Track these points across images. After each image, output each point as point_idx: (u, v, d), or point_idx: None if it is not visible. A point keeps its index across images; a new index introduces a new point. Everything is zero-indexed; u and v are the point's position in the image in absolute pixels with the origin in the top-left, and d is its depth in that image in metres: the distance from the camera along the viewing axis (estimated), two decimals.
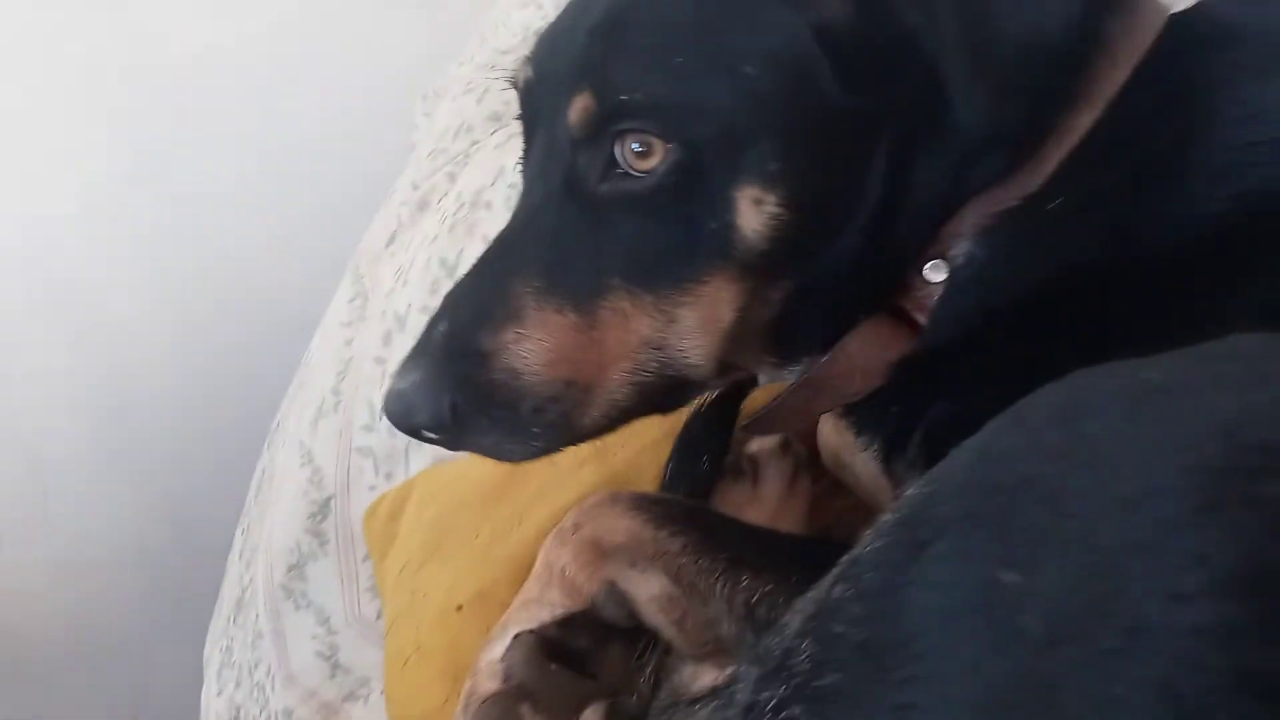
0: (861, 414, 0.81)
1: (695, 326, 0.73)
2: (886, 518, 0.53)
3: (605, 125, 0.72)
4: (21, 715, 2.33)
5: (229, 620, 1.43)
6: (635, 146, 0.71)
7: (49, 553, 2.28)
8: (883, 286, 0.76)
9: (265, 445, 1.50)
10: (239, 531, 1.52)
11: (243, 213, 2.09)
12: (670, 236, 0.72)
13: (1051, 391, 0.51)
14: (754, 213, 0.71)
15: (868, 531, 0.54)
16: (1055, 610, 0.37)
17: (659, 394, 0.76)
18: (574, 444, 0.76)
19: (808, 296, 0.77)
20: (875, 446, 0.79)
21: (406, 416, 0.74)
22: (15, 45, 1.91)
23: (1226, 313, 0.65)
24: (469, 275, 0.78)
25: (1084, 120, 0.71)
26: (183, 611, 2.09)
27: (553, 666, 0.72)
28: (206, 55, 1.98)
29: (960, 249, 0.73)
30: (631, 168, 0.71)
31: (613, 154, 0.72)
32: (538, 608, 0.80)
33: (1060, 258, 0.71)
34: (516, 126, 1.27)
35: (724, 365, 0.78)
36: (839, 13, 0.70)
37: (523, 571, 0.87)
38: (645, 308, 0.73)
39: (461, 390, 0.72)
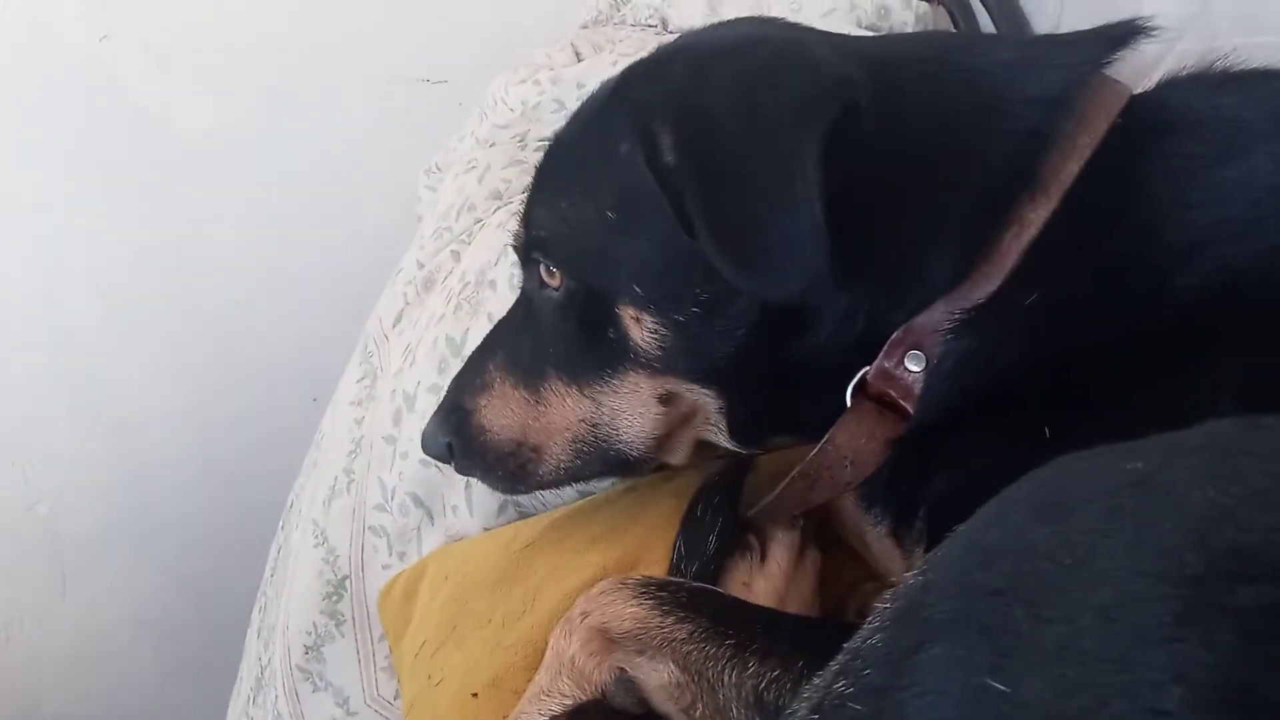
0: (869, 490, 0.83)
1: (623, 412, 0.88)
2: (885, 607, 0.54)
3: (528, 251, 0.91)
4: None
5: (248, 700, 1.43)
6: (545, 269, 0.89)
7: (68, 632, 2.30)
8: (828, 385, 0.80)
9: (280, 524, 1.52)
10: (256, 610, 1.53)
11: (252, 288, 2.13)
12: (583, 339, 0.87)
13: (1035, 484, 0.52)
14: (637, 328, 0.84)
15: (868, 620, 0.55)
16: None
17: (601, 462, 0.92)
18: (535, 489, 0.97)
19: (740, 396, 0.85)
20: (884, 522, 0.82)
21: (426, 446, 1.00)
22: (24, 133, 1.96)
23: (1202, 384, 0.68)
24: (474, 351, 1.01)
25: (1041, 213, 0.74)
26: (203, 687, 2.09)
27: None
28: (211, 133, 2.03)
29: (936, 341, 0.76)
30: (549, 284, 0.89)
31: (538, 272, 0.90)
32: (548, 699, 0.81)
33: (1034, 342, 0.74)
34: (517, 206, 1.30)
35: (665, 445, 0.91)
36: (672, 160, 0.77)
37: (535, 656, 0.88)
38: (575, 393, 0.90)
39: (454, 436, 0.96)
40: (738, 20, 0.96)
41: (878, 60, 0.80)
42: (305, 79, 2.02)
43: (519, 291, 1.10)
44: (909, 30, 1.45)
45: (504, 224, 1.30)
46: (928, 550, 0.75)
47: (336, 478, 1.33)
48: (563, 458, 0.93)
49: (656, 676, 0.78)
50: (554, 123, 1.46)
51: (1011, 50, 0.84)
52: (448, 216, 1.41)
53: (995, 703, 0.41)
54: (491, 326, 1.20)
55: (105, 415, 2.19)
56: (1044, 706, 0.40)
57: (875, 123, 0.73)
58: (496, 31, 1.94)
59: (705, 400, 0.87)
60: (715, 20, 1.55)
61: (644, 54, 1.35)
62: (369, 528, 1.27)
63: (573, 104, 1.48)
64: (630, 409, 0.88)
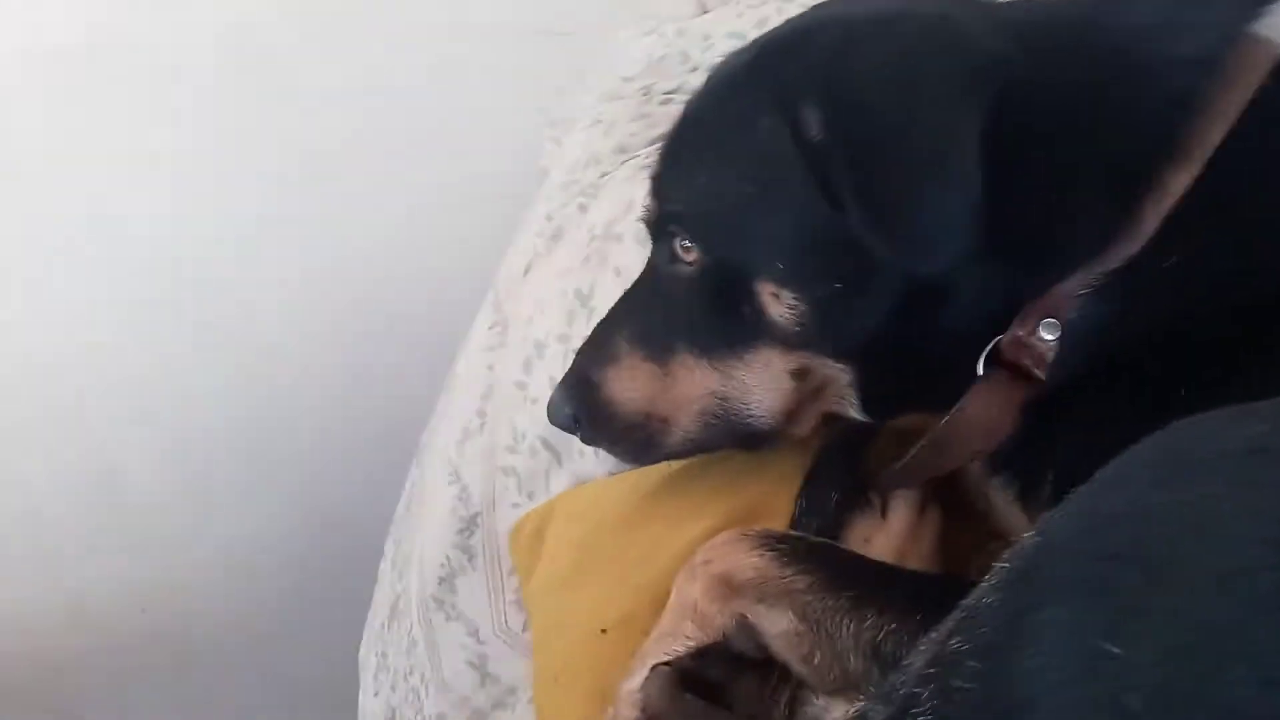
0: (997, 455, 0.84)
1: (754, 386, 0.89)
2: (1002, 565, 0.56)
3: (662, 225, 0.92)
4: (187, 708, 2.54)
5: (383, 626, 1.53)
6: (680, 243, 0.89)
7: (213, 554, 2.44)
8: (962, 357, 0.81)
9: (414, 462, 1.60)
10: (390, 541, 1.62)
11: (388, 241, 2.20)
12: (716, 314, 0.88)
13: (1155, 448, 0.53)
14: (775, 303, 0.84)
15: (985, 579, 0.58)
16: (1155, 688, 0.40)
17: (728, 435, 0.93)
18: (659, 460, 0.98)
19: (874, 370, 0.86)
20: (1012, 487, 0.83)
21: (552, 417, 1.02)
22: (166, 89, 2.05)
23: None
24: (599, 324, 1.01)
25: (1182, 179, 0.74)
26: (333, 611, 2.20)
27: (688, 697, 0.77)
28: (347, 89, 2.09)
29: (1073, 307, 0.76)
30: (682, 259, 0.89)
31: (672, 246, 0.90)
32: (672, 640, 0.85)
33: (1169, 310, 0.75)
34: (643, 160, 1.33)
35: (793, 418, 0.92)
36: (819, 136, 0.77)
37: (661, 599, 0.93)
38: (705, 367, 0.90)
39: (580, 407, 0.98)
40: None
41: (1023, 29, 0.79)
42: (432, 29, 2.06)
43: (646, 247, 1.13)
44: None
45: (630, 178, 1.33)
46: None
47: (469, 419, 1.40)
48: (690, 430, 0.94)
49: (776, 624, 0.82)
50: (679, 75, 1.48)
51: (1158, 10, 0.82)
52: (574, 170, 1.44)
53: (1109, 665, 0.43)
54: (617, 279, 1.24)
55: (244, 358, 2.28)
56: (1157, 671, 0.41)
57: (1026, 97, 0.74)
58: None
59: (838, 374, 0.88)
60: None
61: (775, 20, 1.37)
62: (500, 468, 1.33)
63: (698, 57, 1.50)
64: (761, 383, 0.89)
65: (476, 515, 1.35)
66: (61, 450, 2.29)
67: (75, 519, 2.34)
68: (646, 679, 0.80)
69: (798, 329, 0.84)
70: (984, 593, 0.55)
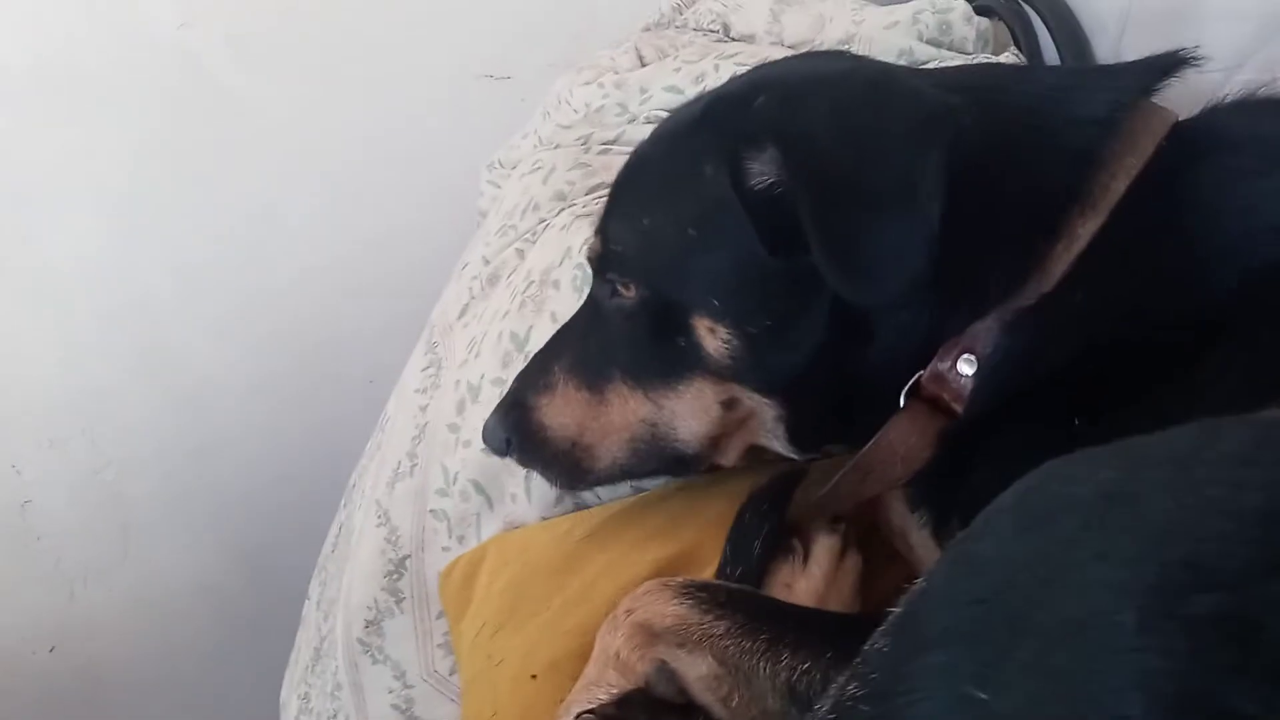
0: (915, 490, 0.89)
1: (683, 414, 0.95)
2: (893, 611, 0.58)
3: (604, 263, 0.97)
4: None
5: (306, 669, 1.50)
6: (620, 281, 0.94)
7: (128, 590, 2.38)
8: (884, 392, 0.86)
9: (343, 503, 1.59)
10: (315, 583, 1.60)
11: (323, 274, 2.20)
12: (652, 346, 0.94)
13: (1018, 494, 0.56)
14: (710, 337, 0.90)
15: (879, 628, 0.60)
16: None
17: (656, 460, 0.99)
18: (592, 485, 1.04)
19: (800, 403, 0.91)
20: (928, 520, 0.88)
21: (486, 439, 1.07)
22: (107, 115, 2.03)
23: (1230, 380, 0.74)
24: (538, 352, 1.07)
25: (1090, 226, 0.80)
26: (258, 649, 2.17)
27: None
28: (282, 121, 2.09)
29: (987, 344, 0.82)
30: (621, 294, 0.94)
31: (612, 283, 0.95)
32: (596, 688, 0.87)
33: (1076, 346, 0.80)
34: (580, 208, 1.35)
35: (719, 446, 0.98)
36: (759, 184, 0.84)
37: (591, 645, 0.94)
38: (639, 396, 0.96)
39: (513, 431, 1.03)
40: (811, 54, 1.02)
41: (951, 88, 0.85)
42: (373, 69, 2.08)
43: (581, 294, 1.16)
44: (969, 44, 1.48)
45: (567, 226, 1.36)
46: None
47: (400, 461, 1.39)
48: (619, 455, 0.99)
49: (696, 669, 0.84)
50: (617, 126, 1.52)
51: (1064, 78, 0.92)
52: (512, 215, 1.46)
53: (979, 711, 0.45)
54: (554, 325, 1.26)
55: (173, 388, 2.26)
56: (1020, 717, 0.44)
57: (965, 145, 0.78)
58: (560, 30, 1.98)
59: (764, 408, 0.93)
60: (776, 26, 1.60)
61: (713, 75, 1.41)
62: (430, 511, 1.33)
63: (635, 108, 1.53)
64: (691, 411, 0.94)
65: (405, 558, 1.34)
66: None
67: None
68: None
69: (729, 361, 0.90)
70: (877, 638, 0.57)
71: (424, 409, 1.41)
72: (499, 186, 1.68)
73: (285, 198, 2.14)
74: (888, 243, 0.77)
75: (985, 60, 1.44)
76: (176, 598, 2.41)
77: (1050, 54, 1.50)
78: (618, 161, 1.44)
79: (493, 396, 1.29)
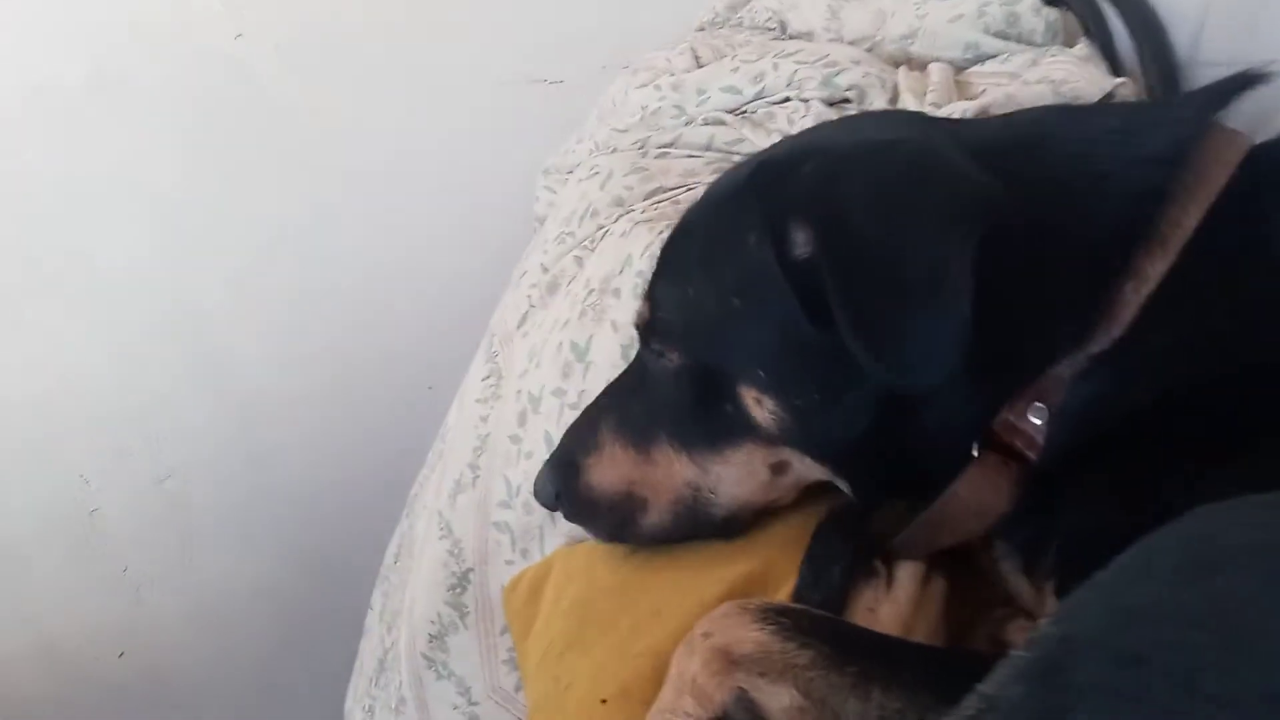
0: (998, 529, 0.86)
1: (729, 480, 0.95)
2: (1022, 655, 0.54)
3: (651, 331, 0.97)
4: None
5: (370, 681, 1.50)
6: (668, 349, 0.94)
7: (189, 598, 2.42)
8: (947, 451, 0.84)
9: (405, 513, 1.58)
10: (378, 593, 1.60)
11: (377, 281, 2.21)
12: (700, 411, 0.93)
13: (1179, 538, 0.51)
14: (758, 408, 0.88)
15: (1001, 666, 0.55)
16: None
17: (694, 525, 0.98)
18: (638, 544, 1.02)
19: (856, 469, 0.90)
20: (1015, 558, 0.85)
21: (537, 495, 1.07)
22: (160, 126, 2.05)
23: None
24: (587, 407, 1.07)
25: (1159, 266, 0.77)
26: (317, 654, 2.20)
27: None
28: (335, 130, 2.09)
29: (1060, 391, 0.79)
30: (669, 360, 0.94)
31: (660, 349, 0.95)
32: (671, 715, 0.84)
33: (1154, 387, 0.77)
34: (640, 214, 1.33)
35: (758, 511, 0.98)
36: (801, 255, 0.81)
37: (662, 669, 0.91)
38: (685, 459, 0.95)
39: (563, 487, 1.03)
40: (864, 115, 1.06)
41: (991, 146, 0.84)
42: (423, 76, 2.07)
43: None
44: (1038, 35, 1.43)
45: (626, 233, 1.33)
46: (1059, 587, 0.78)
47: (462, 472, 1.38)
48: (663, 517, 0.99)
49: (778, 700, 0.80)
50: (674, 129, 1.49)
51: (1119, 116, 0.89)
52: (570, 221, 1.44)
53: None
54: (615, 334, 1.24)
55: (231, 396, 2.28)
56: None
57: (1006, 218, 0.76)
58: (612, 32, 1.96)
59: (816, 470, 0.92)
60: (835, 22, 1.56)
61: (771, 75, 1.37)
62: (493, 523, 1.32)
63: (693, 110, 1.51)
64: (737, 478, 0.95)
65: (469, 571, 1.33)
66: (37, 485, 2.27)
67: (50, 556, 2.32)
68: None
69: (779, 431, 0.89)
70: (1005, 681, 0.53)
71: (485, 419, 1.40)
72: (554, 192, 1.66)
73: (338, 204, 2.14)
74: (920, 337, 0.74)
75: (1056, 51, 1.39)
76: (240, 605, 2.45)
77: (1125, 45, 1.45)
78: (676, 165, 1.43)
79: (553, 408, 1.27)
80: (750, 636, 0.83)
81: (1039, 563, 0.82)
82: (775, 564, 0.97)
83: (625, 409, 1.01)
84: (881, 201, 0.78)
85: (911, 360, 0.75)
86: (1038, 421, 0.79)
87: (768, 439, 0.90)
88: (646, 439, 0.97)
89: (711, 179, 1.39)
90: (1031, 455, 0.80)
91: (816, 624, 0.84)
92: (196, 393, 2.28)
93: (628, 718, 0.90)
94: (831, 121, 1.14)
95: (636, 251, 1.28)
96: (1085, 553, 0.56)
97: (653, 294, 0.98)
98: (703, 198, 0.99)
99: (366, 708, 1.50)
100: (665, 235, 1.01)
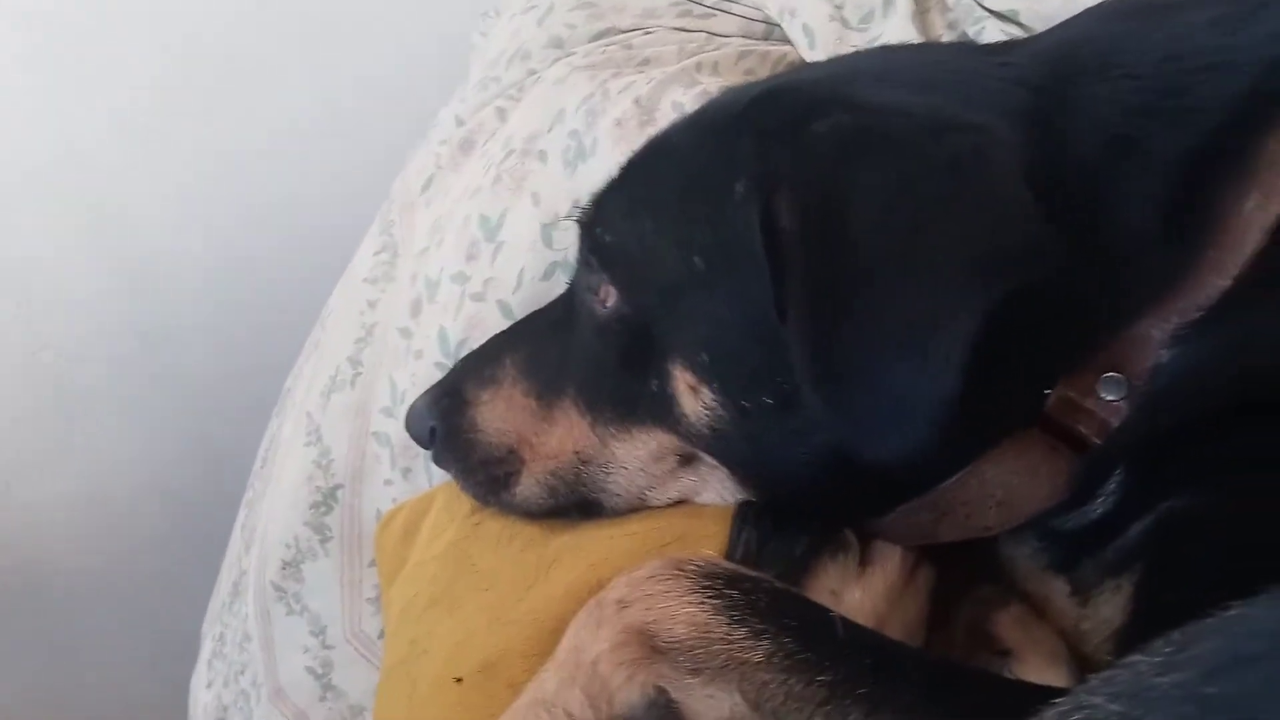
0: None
1: (624, 463, 0.76)
2: (1107, 690, 0.41)
3: (590, 248, 0.78)
4: (41, 647, 2.28)
5: (224, 605, 1.26)
6: (604, 283, 0.75)
7: (70, 484, 2.19)
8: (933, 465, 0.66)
9: (275, 410, 1.32)
10: (242, 504, 1.35)
11: (288, 154, 1.93)
12: (620, 378, 0.75)
13: None
14: (690, 398, 0.70)
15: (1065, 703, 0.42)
16: None
17: (569, 501, 0.79)
18: (505, 509, 0.81)
19: (786, 488, 0.71)
20: (1051, 554, 0.68)
21: (408, 425, 0.88)
22: None
23: None
24: (493, 337, 0.89)
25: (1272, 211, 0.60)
26: (207, 551, 1.98)
27: None
28: None
29: (1145, 359, 0.62)
30: (600, 299, 0.75)
31: (593, 279, 0.76)
32: (549, 714, 0.60)
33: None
34: (581, 59, 1.05)
35: (643, 504, 0.78)
36: (790, 230, 0.63)
37: (540, 640, 0.69)
38: (584, 426, 0.77)
39: (441, 421, 0.84)
40: (904, 50, 0.89)
41: (1060, 76, 0.67)
42: None
43: (575, 170, 0.97)
44: None
45: (562, 80, 1.06)
46: (1135, 609, 0.59)
47: (339, 367, 1.13)
48: (537, 488, 0.80)
49: (713, 709, 0.58)
50: None
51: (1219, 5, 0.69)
52: (496, 65, 1.16)
53: None
54: (535, 208, 0.98)
55: (122, 262, 2.02)
56: None
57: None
58: None
59: (730, 483, 0.75)
60: None
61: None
62: (372, 433, 1.08)
63: None
64: (635, 463, 0.76)
65: (337, 488, 1.09)
66: None
67: None
68: None
69: (708, 432, 0.70)
70: None
71: (373, 305, 1.14)
72: (486, 36, 1.38)
73: (250, 63, 1.86)
74: (888, 387, 0.59)
75: None
76: (122, 492, 2.22)
77: None
78: (633, 3, 1.15)
79: (452, 297, 1.02)
80: (686, 614, 0.60)
81: (1087, 566, 0.64)
82: (705, 527, 0.73)
83: (539, 347, 0.83)
84: (901, 209, 0.61)
85: (872, 416, 0.60)
86: (1113, 396, 0.62)
87: (689, 437, 0.72)
88: (552, 390, 0.80)
89: (677, 24, 1.13)
90: (1095, 439, 0.63)
91: (780, 602, 0.61)
92: (80, 254, 2.01)
93: (487, 702, 0.68)
94: (865, 52, 0.92)
95: (572, 105, 1.02)
96: (1181, 562, 0.51)
97: (604, 202, 0.78)
98: (693, 115, 0.80)
99: (218, 635, 1.26)
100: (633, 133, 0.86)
